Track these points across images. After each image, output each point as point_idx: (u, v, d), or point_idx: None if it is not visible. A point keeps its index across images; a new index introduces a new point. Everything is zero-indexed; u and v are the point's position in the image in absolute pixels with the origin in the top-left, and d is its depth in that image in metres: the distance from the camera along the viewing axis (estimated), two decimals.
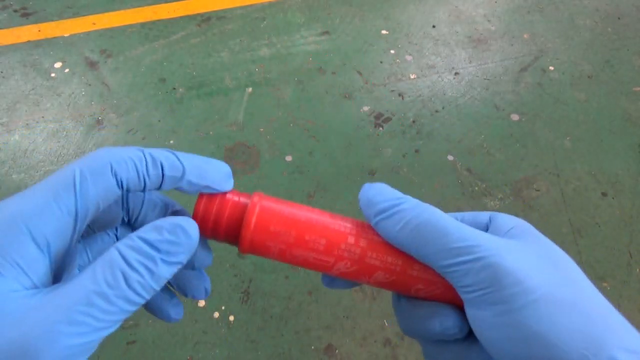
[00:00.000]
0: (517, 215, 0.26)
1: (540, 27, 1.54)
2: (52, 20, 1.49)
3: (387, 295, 0.94)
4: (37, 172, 1.12)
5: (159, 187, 0.22)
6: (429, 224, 0.22)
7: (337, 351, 0.88)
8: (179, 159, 0.22)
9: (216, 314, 0.91)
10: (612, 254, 1.03)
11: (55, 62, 1.37)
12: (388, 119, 1.26)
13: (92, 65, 1.37)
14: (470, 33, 1.51)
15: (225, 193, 0.25)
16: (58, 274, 0.21)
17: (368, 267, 0.24)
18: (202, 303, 0.92)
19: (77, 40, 1.43)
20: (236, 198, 0.25)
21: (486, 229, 0.25)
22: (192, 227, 0.21)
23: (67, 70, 1.35)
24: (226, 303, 0.93)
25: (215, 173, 0.24)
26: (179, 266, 0.21)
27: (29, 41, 1.42)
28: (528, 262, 0.21)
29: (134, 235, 0.20)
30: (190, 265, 0.25)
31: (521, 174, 1.16)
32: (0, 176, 1.11)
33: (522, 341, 0.19)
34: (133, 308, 0.19)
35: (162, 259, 0.20)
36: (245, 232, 0.24)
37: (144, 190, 0.22)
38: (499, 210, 1.07)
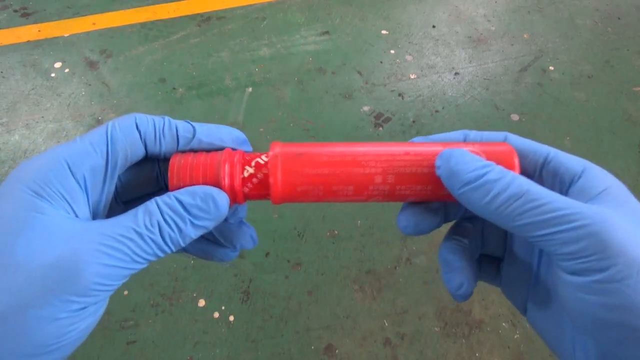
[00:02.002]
0: None
1: (540, 27, 1.54)
2: (52, 20, 1.49)
3: (387, 295, 0.94)
4: None
5: (177, 146, 0.25)
6: (520, 195, 0.21)
7: (337, 351, 0.88)
8: (191, 124, 0.25)
9: (216, 314, 0.91)
10: None
11: (55, 62, 1.37)
12: (388, 119, 1.26)
13: (92, 65, 1.37)
14: (470, 33, 1.51)
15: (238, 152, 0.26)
16: (96, 214, 0.24)
17: (400, 196, 0.25)
18: (202, 303, 0.92)
19: (77, 40, 1.43)
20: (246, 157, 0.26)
21: (569, 183, 0.24)
22: (222, 199, 0.23)
23: (67, 70, 1.35)
24: (226, 303, 0.93)
25: (225, 134, 0.26)
26: (205, 230, 0.23)
27: (29, 41, 1.42)
28: (629, 232, 0.20)
29: (172, 194, 0.23)
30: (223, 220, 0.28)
31: None
32: (0, 176, 1.11)
33: (615, 309, 0.19)
34: (161, 254, 0.22)
35: (190, 221, 0.22)
36: (274, 193, 0.24)
37: (161, 148, 0.25)
38: None
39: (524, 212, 0.21)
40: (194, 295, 0.93)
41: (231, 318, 0.91)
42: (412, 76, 1.37)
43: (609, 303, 0.19)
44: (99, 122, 1.22)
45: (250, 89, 1.32)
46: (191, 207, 0.22)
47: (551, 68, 1.41)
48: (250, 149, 0.27)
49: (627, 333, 0.19)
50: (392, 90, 1.33)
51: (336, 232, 1.02)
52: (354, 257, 0.99)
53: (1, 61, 1.36)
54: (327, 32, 1.49)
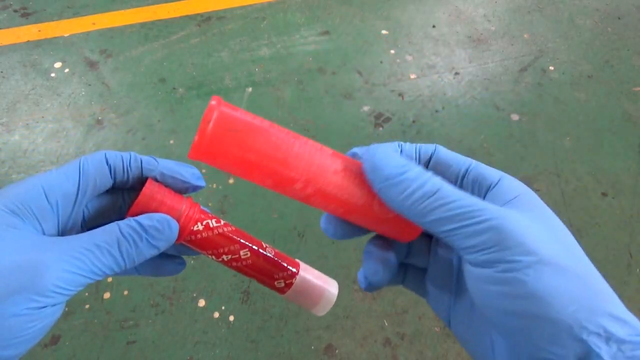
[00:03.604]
0: None
1: (540, 27, 1.54)
2: (52, 20, 1.48)
3: (387, 295, 0.94)
4: (37, 171, 1.12)
5: (141, 176, 0.29)
6: (433, 194, 0.23)
7: (337, 351, 0.88)
8: (155, 159, 0.29)
9: (216, 314, 0.91)
10: (612, 254, 1.03)
11: (55, 62, 1.37)
12: (388, 119, 1.26)
13: (92, 65, 1.37)
14: (470, 33, 1.51)
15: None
16: (64, 234, 0.27)
17: (313, 204, 0.26)
18: (202, 303, 0.92)
19: (77, 40, 1.43)
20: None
21: (486, 191, 0.26)
22: (174, 225, 0.27)
23: (67, 70, 1.35)
24: (226, 303, 0.93)
25: (184, 171, 0.29)
26: (157, 251, 0.26)
27: (29, 41, 1.42)
28: (529, 228, 0.22)
29: (131, 218, 0.26)
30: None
31: (521, 173, 1.16)
32: (0, 176, 1.11)
33: (517, 298, 0.20)
34: (117, 268, 0.25)
35: (147, 239, 0.26)
36: (196, 148, 0.25)
37: (129, 179, 0.29)
38: None
39: (434, 208, 0.23)
40: (194, 295, 0.93)
41: (231, 318, 0.91)
42: (412, 76, 1.37)
43: (511, 292, 0.20)
44: (99, 122, 1.22)
45: (250, 89, 1.32)
46: (149, 227, 0.26)
47: (551, 68, 1.41)
48: (203, 183, 0.30)
49: (529, 322, 0.20)
50: (392, 90, 1.33)
51: None
52: (354, 257, 0.99)
53: (1, 61, 1.36)
54: (327, 32, 1.49)
